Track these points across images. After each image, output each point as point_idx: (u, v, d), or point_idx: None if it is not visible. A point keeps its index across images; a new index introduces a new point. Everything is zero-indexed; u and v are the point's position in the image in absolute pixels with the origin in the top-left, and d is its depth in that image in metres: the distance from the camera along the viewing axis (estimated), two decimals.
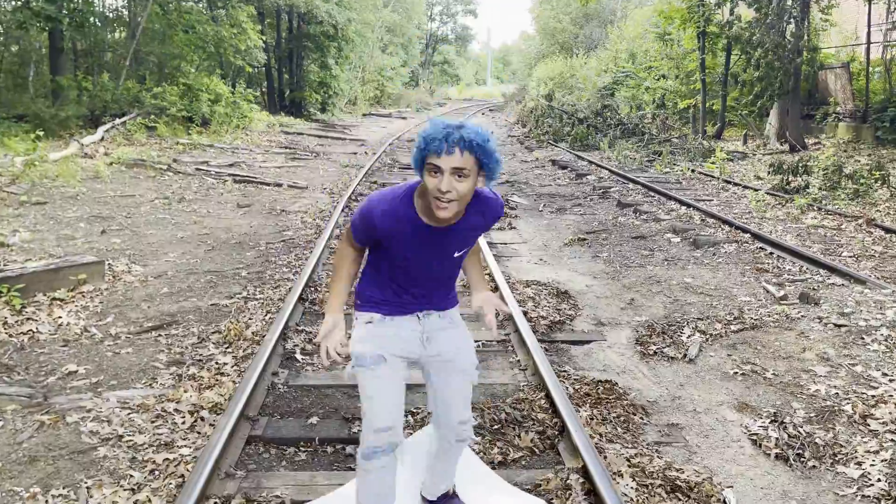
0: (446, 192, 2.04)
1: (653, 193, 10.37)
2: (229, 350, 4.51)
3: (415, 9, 49.24)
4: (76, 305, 5.23)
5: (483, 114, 38.87)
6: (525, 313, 5.24)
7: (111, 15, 23.95)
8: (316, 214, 9.26)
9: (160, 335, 4.81)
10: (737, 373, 4.32)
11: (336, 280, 2.41)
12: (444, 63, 67.64)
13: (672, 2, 25.45)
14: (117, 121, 14.69)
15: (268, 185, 11.40)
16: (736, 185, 11.20)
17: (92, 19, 16.55)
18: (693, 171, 12.91)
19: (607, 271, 6.70)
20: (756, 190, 10.33)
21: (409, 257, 2.27)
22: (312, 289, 5.80)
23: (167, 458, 3.09)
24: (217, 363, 4.28)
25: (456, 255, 2.32)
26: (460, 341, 2.55)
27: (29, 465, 3.03)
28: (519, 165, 14.98)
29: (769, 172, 11.72)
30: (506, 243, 7.96)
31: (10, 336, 4.60)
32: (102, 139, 13.81)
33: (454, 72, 70.36)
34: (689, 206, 9.10)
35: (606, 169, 13.17)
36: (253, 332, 4.77)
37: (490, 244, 7.68)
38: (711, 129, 18.32)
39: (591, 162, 14.25)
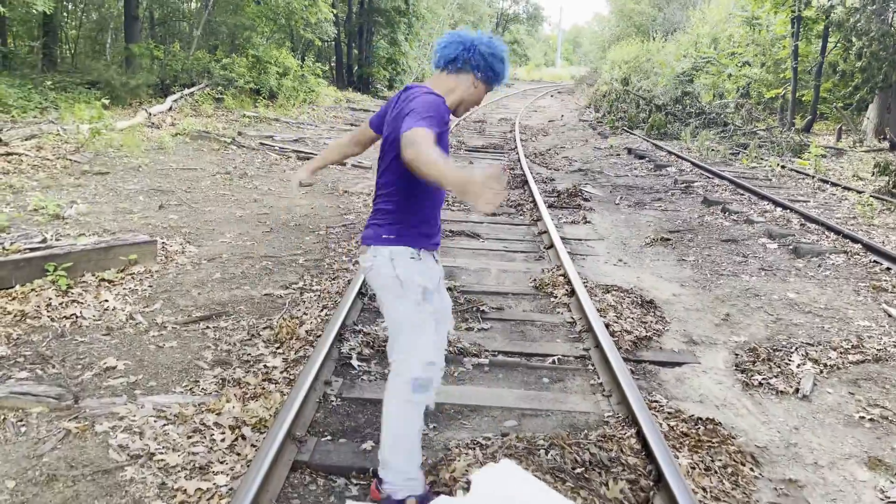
0: None
1: (742, 191, 9.54)
2: (280, 351, 4.11)
3: None
4: (124, 288, 4.92)
5: (552, 95, 37.83)
6: (607, 326, 4.67)
7: None
8: None
9: (208, 327, 4.44)
10: (863, 417, 3.66)
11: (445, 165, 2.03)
12: (514, 43, 66.30)
13: None
14: (185, 91, 14.57)
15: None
16: (834, 184, 10.23)
17: None
18: (783, 166, 11.93)
19: (696, 279, 6.04)
20: (859, 192, 9.38)
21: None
22: None
23: (200, 489, 2.68)
24: (266, 366, 3.87)
25: None
26: (443, 282, 2.77)
27: (45, 487, 2.66)
28: (592, 153, 14.23)
29: (874, 173, 10.69)
30: (580, 239, 7.36)
31: (53, 321, 4.30)
32: (170, 109, 13.70)
33: (523, 52, 68.98)
34: (784, 207, 8.27)
35: (688, 161, 12.31)
36: (307, 331, 4.36)
37: (563, 239, 7.09)
38: (801, 121, 17.10)
39: (670, 152, 13.39)
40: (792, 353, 4.44)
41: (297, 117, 15.71)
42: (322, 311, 4.78)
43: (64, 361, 3.81)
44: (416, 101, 2.36)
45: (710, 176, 10.82)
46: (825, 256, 6.51)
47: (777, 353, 4.44)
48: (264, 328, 4.46)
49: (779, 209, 8.28)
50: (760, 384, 4.05)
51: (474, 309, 5.06)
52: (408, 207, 2.49)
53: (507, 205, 8.93)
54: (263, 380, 3.69)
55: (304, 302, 4.98)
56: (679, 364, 4.34)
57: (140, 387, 3.57)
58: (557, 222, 8.05)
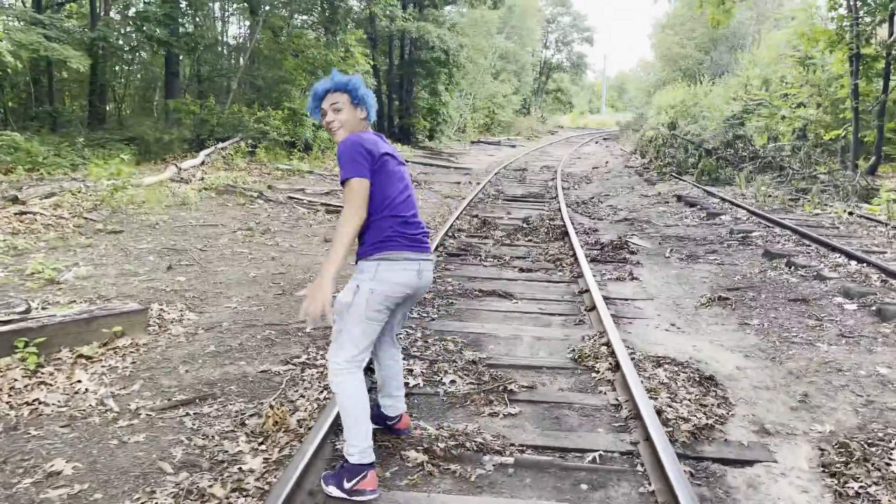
0: (328, 122, 3.13)
1: (807, 241, 8.61)
2: (262, 447, 3.44)
3: (529, 36, 48.40)
4: (103, 366, 4.36)
5: (596, 142, 37.22)
6: (659, 412, 3.88)
7: (233, 42, 24.53)
8: None
9: (188, 413, 3.82)
10: None
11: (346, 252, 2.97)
12: (558, 91, 66.25)
13: (815, 23, 23.09)
14: (219, 145, 14.40)
15: None
16: None
17: (204, 44, 16.51)
18: (851, 213, 10.93)
19: (763, 347, 5.19)
20: None
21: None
22: None
23: None
24: (241, 469, 3.20)
25: None
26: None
27: None
28: (639, 200, 13.43)
29: None
30: (626, 299, 6.57)
31: (11, 408, 3.74)
32: (203, 163, 13.51)
33: (567, 99, 68.82)
34: (860, 260, 7.32)
35: (743, 208, 11.41)
36: (299, 420, 3.70)
37: (607, 299, 6.33)
38: (864, 164, 15.99)
39: (723, 199, 12.50)
40: (893, 449, 3.57)
41: (332, 169, 15.38)
42: (322, 392, 4.12)
43: (5, 463, 3.21)
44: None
45: (770, 224, 9.91)
46: None
47: (874, 450, 3.57)
48: (252, 415, 3.81)
49: (853, 262, 7.34)
50: (858, 494, 3.19)
51: (501, 389, 4.33)
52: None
53: (545, 259, 8.22)
54: (233, 490, 3.02)
55: (304, 381, 4.33)
56: (750, 463, 3.52)
57: (81, 501, 2.94)
58: (600, 279, 7.29)
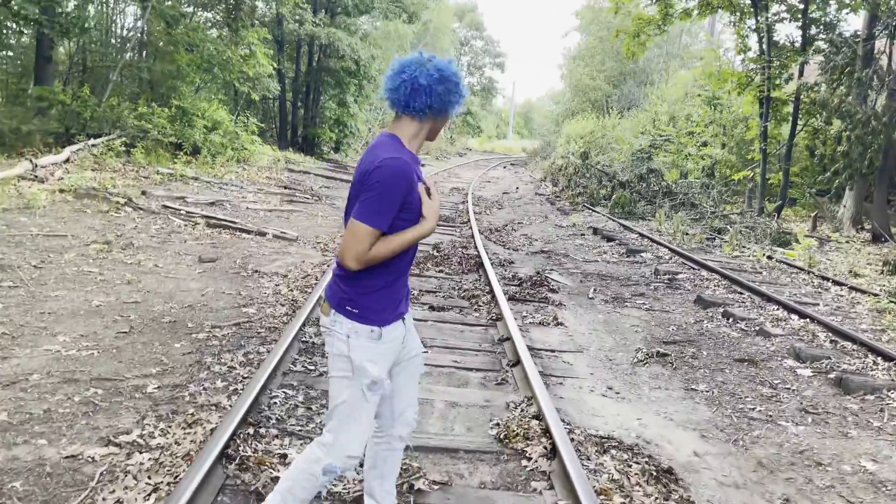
0: None
1: (739, 288, 7.99)
2: None
3: (443, 55, 47.87)
4: None
5: (504, 167, 36.92)
6: None
7: (126, 31, 22.31)
8: (297, 281, 6.97)
9: None
10: None
11: (400, 240, 2.28)
12: (468, 114, 66.21)
13: (722, 65, 23.59)
14: (90, 141, 12.58)
15: (248, 232, 9.15)
16: (837, 283, 8.81)
17: (81, 27, 14.55)
18: (769, 257, 10.56)
19: (719, 424, 4.32)
20: (875, 295, 7.95)
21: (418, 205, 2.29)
22: (252, 433, 3.46)
23: None
24: None
25: None
26: (413, 329, 2.63)
27: None
28: (554, 231, 12.70)
29: (883, 272, 9.38)
30: (553, 350, 5.62)
31: None
32: (68, 161, 11.68)
33: (476, 123, 68.96)
34: (803, 315, 6.68)
35: (664, 246, 10.85)
36: None
37: (532, 350, 5.37)
38: (770, 205, 16.06)
39: (642, 235, 11.94)
40: None
41: (221, 176, 13.83)
42: (149, 497, 2.85)
43: None
44: (377, 174, 2.21)
45: (695, 266, 9.31)
46: (883, 393, 4.88)
47: None
48: None
49: (794, 316, 6.71)
50: None
51: (406, 488, 3.21)
52: (370, 271, 2.31)
53: (459, 294, 7.18)
54: None
55: (128, 474, 3.04)
56: None
57: None
58: (522, 322, 6.33)
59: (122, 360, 4.38)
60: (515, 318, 6.20)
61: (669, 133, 23.87)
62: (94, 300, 5.57)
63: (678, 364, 5.48)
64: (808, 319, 6.50)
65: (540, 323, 6.43)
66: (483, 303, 6.91)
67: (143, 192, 10.45)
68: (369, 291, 2.32)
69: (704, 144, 22.28)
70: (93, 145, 12.37)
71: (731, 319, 6.62)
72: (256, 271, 7.23)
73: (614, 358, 5.60)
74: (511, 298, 7.21)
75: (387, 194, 2.16)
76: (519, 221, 13.94)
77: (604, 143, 28.26)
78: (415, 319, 6.10)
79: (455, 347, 5.47)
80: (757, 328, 6.36)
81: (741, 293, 7.76)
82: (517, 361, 5.10)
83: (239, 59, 16.42)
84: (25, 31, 13.94)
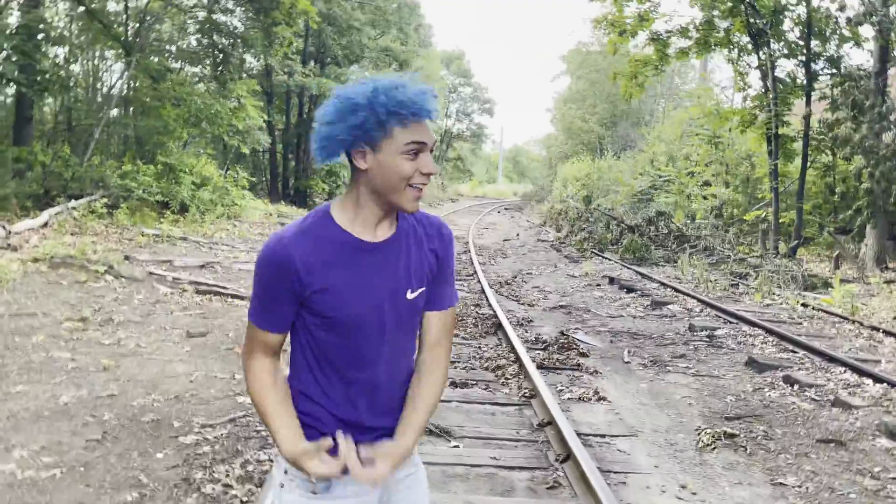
0: (431, 175, 1.54)
1: (792, 346, 7.20)
2: None
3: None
4: None
5: (499, 212, 36.39)
6: None
7: (110, 88, 21.80)
8: None
9: None
10: None
11: (269, 412, 1.58)
12: (458, 159, 66.19)
13: (720, 103, 23.30)
14: (70, 204, 11.83)
15: (241, 298, 8.34)
16: (889, 333, 8.04)
17: (61, 85, 13.97)
18: (804, 304, 9.82)
19: None
20: None
21: (346, 302, 1.55)
22: None
23: None
24: None
25: (410, 293, 1.62)
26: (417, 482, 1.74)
27: None
28: (567, 282, 11.95)
29: None
30: (603, 435, 4.81)
31: None
32: (46, 225, 10.91)
33: (467, 168, 68.93)
34: (879, 380, 5.86)
35: (690, 296, 10.10)
36: None
37: (581, 437, 4.54)
38: (784, 246, 15.42)
39: (663, 284, 11.20)
40: None
41: (211, 235, 13.06)
42: None
43: None
44: None
45: (732, 320, 8.54)
46: None
47: None
48: None
49: (868, 380, 5.92)
50: None
51: None
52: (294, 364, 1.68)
53: (482, 365, 6.38)
54: None
55: None
56: None
57: None
58: (559, 398, 5.52)
59: (91, 482, 3.53)
60: (550, 391, 5.41)
61: (670, 173, 23.40)
62: (62, 396, 4.72)
63: (752, 447, 4.66)
64: (885, 384, 5.70)
65: (580, 398, 5.61)
66: (511, 374, 6.10)
67: (127, 257, 9.66)
68: (307, 399, 1.65)
69: (707, 184, 21.79)
70: (73, 207, 11.60)
71: (795, 386, 5.82)
72: None
73: (675, 442, 4.78)
74: (540, 367, 6.41)
75: (257, 282, 1.59)
76: (528, 272, 13.20)
77: (601, 185, 27.79)
78: None
79: (490, 438, 4.65)
80: (830, 397, 5.56)
81: (795, 352, 6.97)
82: (567, 455, 4.28)
83: (228, 113, 15.82)
84: (6, 92, 13.28)
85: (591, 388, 5.86)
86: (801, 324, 8.73)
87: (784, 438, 4.84)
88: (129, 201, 12.76)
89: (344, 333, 1.59)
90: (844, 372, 6.16)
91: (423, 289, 1.65)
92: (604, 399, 5.63)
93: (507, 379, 6.01)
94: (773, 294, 10.54)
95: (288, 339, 1.68)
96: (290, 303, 1.56)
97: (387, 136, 1.48)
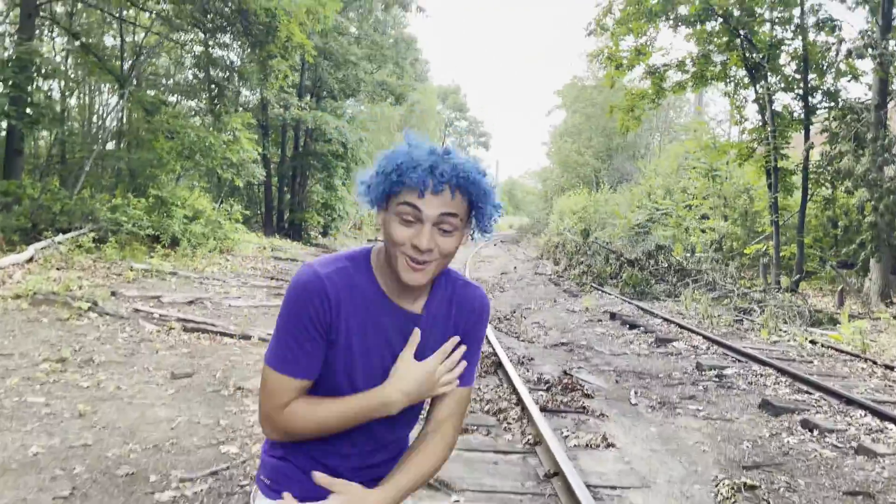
0: (426, 252, 1.40)
1: (806, 387, 6.88)
2: None
3: (429, 136, 48.04)
4: None
5: (495, 245, 36.23)
6: None
7: (105, 121, 21.67)
8: None
9: None
10: None
11: (341, 409, 1.47)
12: None
13: (716, 137, 23.30)
14: (57, 238, 11.53)
15: (230, 336, 8.01)
16: None
17: (52, 118, 13.79)
18: (812, 341, 9.53)
19: None
20: None
21: (355, 368, 1.47)
22: None
23: None
24: None
25: None
26: None
27: None
28: (567, 317, 11.65)
29: None
30: (614, 487, 4.48)
31: None
32: (31, 260, 10.60)
33: None
34: None
35: (694, 332, 9.80)
36: None
37: (591, 489, 4.21)
38: (786, 280, 15.18)
39: (666, 320, 10.90)
40: None
41: (202, 270, 12.75)
42: None
43: None
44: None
45: (741, 358, 8.23)
46: None
47: None
48: None
49: (891, 425, 5.60)
50: None
51: None
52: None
53: (481, 408, 6.05)
54: None
55: None
56: None
57: None
58: (566, 445, 5.19)
59: None
60: (554, 436, 5.09)
61: (667, 206, 23.26)
62: (32, 445, 4.38)
63: (775, 501, 4.34)
64: None
65: (587, 445, 5.28)
66: (513, 418, 5.77)
67: (113, 293, 9.34)
68: (285, 450, 1.57)
69: (704, 217, 21.63)
70: (59, 242, 11.30)
71: (815, 431, 5.50)
72: (240, 388, 6.07)
73: (691, 494, 4.45)
74: (543, 409, 6.10)
75: (285, 318, 1.45)
76: (526, 306, 12.90)
77: (598, 218, 27.64)
78: None
79: (493, 491, 4.31)
80: (853, 444, 5.24)
81: (810, 393, 6.66)
82: None
83: (222, 146, 15.63)
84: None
85: (599, 432, 5.54)
86: (811, 362, 8.43)
87: (809, 490, 4.51)
88: (118, 235, 12.46)
89: (347, 382, 1.51)
90: (865, 416, 5.85)
91: None
92: (612, 445, 5.30)
93: (509, 424, 5.68)
94: (780, 330, 10.25)
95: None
96: (322, 340, 1.45)
97: (393, 196, 1.44)
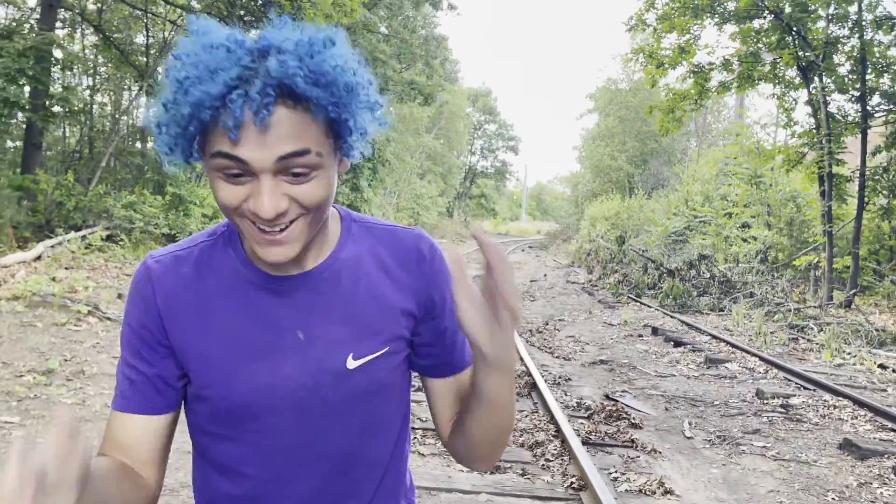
0: (277, 218, 0.89)
1: (891, 423, 5.99)
2: None
3: (458, 139, 47.37)
4: None
5: (523, 250, 35.40)
6: None
7: (118, 118, 21.33)
8: None
9: None
10: None
11: None
12: (482, 196, 65.58)
13: (760, 141, 22.25)
14: (66, 235, 11.01)
15: None
16: None
17: (69, 111, 13.34)
18: (882, 366, 8.59)
19: None
20: None
21: (230, 376, 1.01)
22: None
23: None
24: None
25: (353, 359, 1.03)
26: None
27: None
28: (605, 331, 10.81)
29: None
30: None
31: None
32: (39, 258, 10.08)
33: (491, 206, 68.24)
34: None
35: (749, 352, 8.91)
36: None
37: None
38: (839, 295, 14.14)
39: (714, 336, 10.01)
40: None
41: None
42: None
43: None
44: None
45: (806, 384, 7.33)
46: None
47: None
48: None
49: None
50: None
51: None
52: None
53: (514, 440, 5.29)
54: None
55: None
56: None
57: None
58: (615, 490, 4.42)
59: None
60: (601, 478, 4.31)
61: (707, 214, 22.22)
62: None
63: None
64: None
65: (640, 490, 4.49)
66: (552, 454, 5.00)
67: (120, 295, 8.74)
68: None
69: (746, 226, 20.57)
70: (70, 240, 10.78)
71: None
72: None
73: None
74: (585, 442, 5.32)
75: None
76: (559, 318, 12.09)
77: (632, 225, 26.66)
78: (460, 491, 4.23)
79: None
80: None
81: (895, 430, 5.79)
82: None
83: None
84: (20, 119, 12.74)
85: (653, 474, 4.74)
86: (885, 390, 7.50)
87: None
88: (131, 233, 11.93)
89: (232, 434, 1.03)
90: None
91: (385, 350, 1.06)
92: (671, 492, 4.50)
93: (547, 461, 4.91)
94: (844, 352, 9.31)
95: None
96: (156, 361, 1.02)
97: (201, 140, 0.89)
